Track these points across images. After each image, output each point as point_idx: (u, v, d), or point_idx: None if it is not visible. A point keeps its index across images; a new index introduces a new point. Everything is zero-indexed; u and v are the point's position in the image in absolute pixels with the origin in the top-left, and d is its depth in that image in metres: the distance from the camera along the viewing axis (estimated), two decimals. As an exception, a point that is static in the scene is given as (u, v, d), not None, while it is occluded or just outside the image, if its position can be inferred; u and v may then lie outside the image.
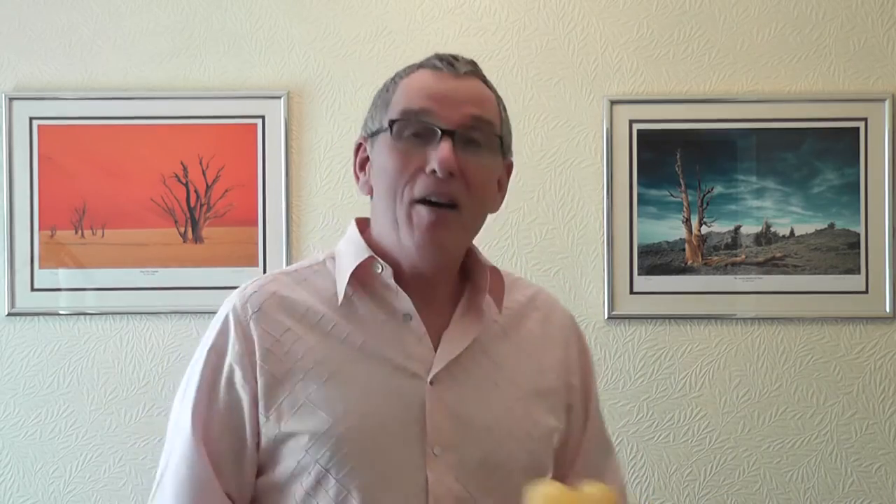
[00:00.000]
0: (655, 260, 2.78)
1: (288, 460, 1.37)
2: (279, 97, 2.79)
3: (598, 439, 1.59)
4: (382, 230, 1.43)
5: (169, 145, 2.80)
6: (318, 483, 1.35)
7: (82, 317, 2.80)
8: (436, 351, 1.41)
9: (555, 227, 2.80)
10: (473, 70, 1.44)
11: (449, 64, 1.42)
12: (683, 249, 2.79)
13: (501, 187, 1.49)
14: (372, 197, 1.45)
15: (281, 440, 1.37)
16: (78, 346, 2.80)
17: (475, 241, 1.50)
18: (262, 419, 1.38)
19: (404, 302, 1.41)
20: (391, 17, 2.82)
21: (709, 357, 2.79)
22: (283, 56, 2.82)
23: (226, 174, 2.80)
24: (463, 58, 1.45)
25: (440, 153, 1.35)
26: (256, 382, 1.38)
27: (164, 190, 2.80)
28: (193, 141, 2.80)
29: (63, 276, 2.79)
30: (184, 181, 2.80)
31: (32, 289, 2.79)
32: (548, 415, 1.47)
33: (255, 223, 2.80)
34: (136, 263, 2.79)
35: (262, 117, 2.80)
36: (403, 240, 1.39)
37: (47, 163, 2.80)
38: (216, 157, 2.80)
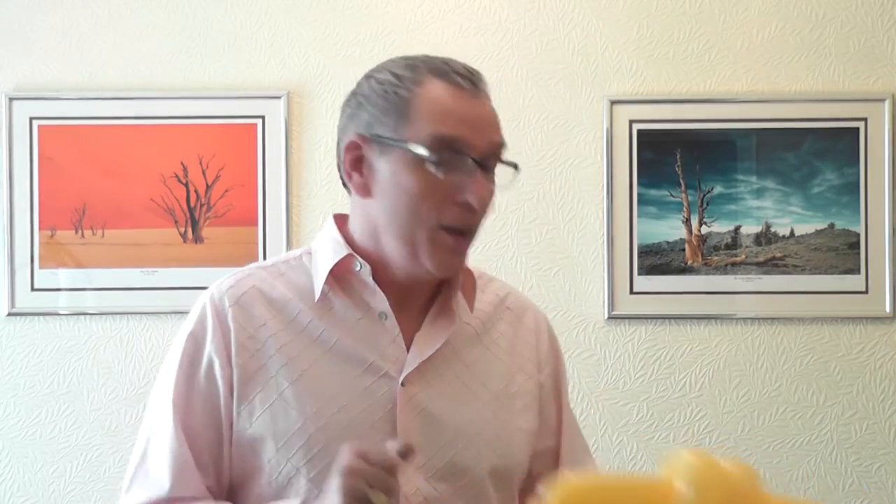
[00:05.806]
0: (655, 260, 2.78)
1: (259, 458, 1.37)
2: (279, 97, 2.79)
3: (577, 440, 1.58)
4: (381, 238, 1.40)
5: (169, 145, 2.80)
6: (290, 482, 1.35)
7: (82, 317, 2.80)
8: (409, 352, 1.41)
9: (555, 227, 2.80)
10: (485, 85, 1.41)
11: (468, 80, 1.38)
12: (683, 249, 2.79)
13: None
14: (365, 198, 1.41)
15: (252, 437, 1.37)
16: (78, 346, 2.80)
17: None
18: (235, 413, 1.38)
19: (381, 301, 1.41)
20: (391, 17, 2.82)
21: (709, 357, 2.79)
22: (283, 56, 2.82)
23: (226, 174, 2.80)
24: (476, 72, 1.41)
25: (479, 187, 1.35)
26: (232, 374, 1.38)
27: (164, 190, 2.80)
28: (193, 141, 2.80)
29: (63, 276, 2.79)
30: (184, 181, 2.80)
31: (32, 289, 2.79)
32: (519, 417, 1.47)
33: (255, 223, 2.79)
34: (136, 263, 2.79)
35: (262, 117, 2.80)
36: (422, 260, 1.37)
37: (47, 163, 2.80)
38: (216, 157, 2.80)
